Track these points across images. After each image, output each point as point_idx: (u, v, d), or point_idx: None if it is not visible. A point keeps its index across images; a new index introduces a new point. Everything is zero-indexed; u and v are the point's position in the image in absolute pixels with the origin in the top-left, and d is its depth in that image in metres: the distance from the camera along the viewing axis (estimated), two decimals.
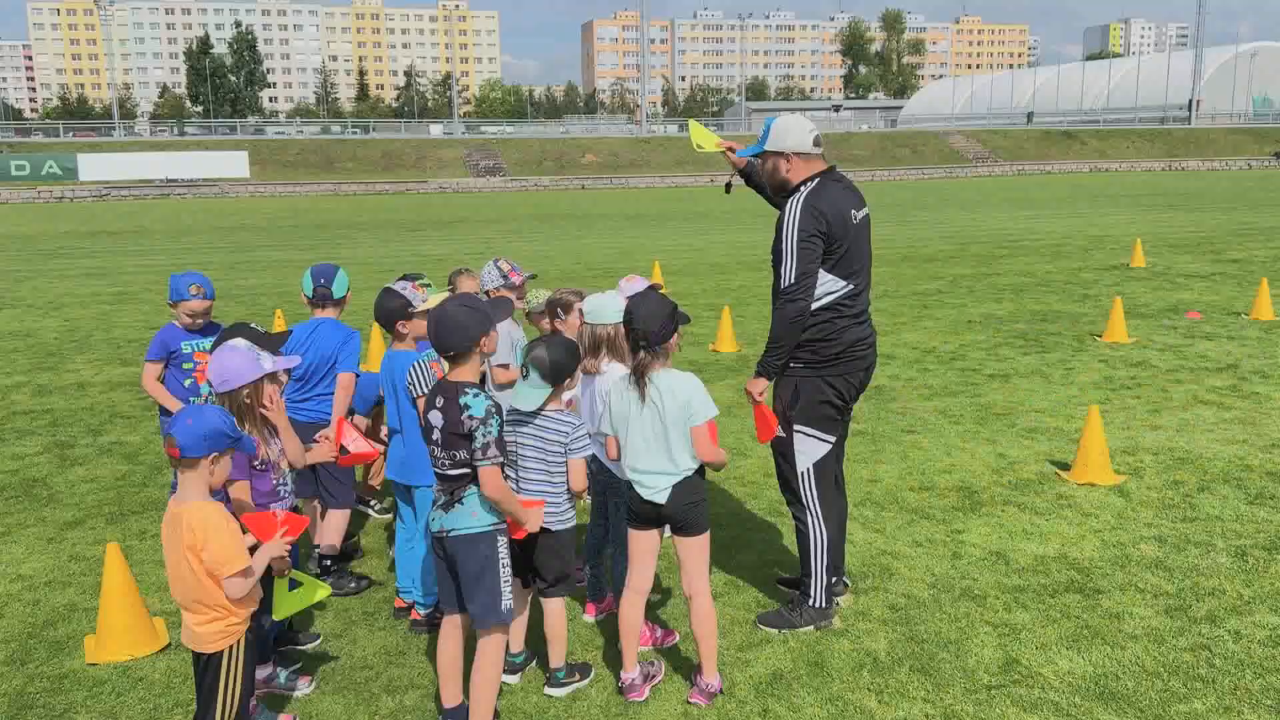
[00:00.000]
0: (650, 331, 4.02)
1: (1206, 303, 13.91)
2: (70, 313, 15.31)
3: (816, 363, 4.61)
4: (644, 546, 4.21)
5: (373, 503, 6.70)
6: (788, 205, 4.60)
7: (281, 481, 4.13)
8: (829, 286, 4.56)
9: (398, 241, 26.50)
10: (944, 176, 60.49)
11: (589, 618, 5.00)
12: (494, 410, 3.75)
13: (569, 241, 25.78)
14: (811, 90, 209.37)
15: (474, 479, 3.77)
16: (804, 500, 4.73)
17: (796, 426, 4.67)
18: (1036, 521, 6.13)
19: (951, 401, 8.94)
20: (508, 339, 5.59)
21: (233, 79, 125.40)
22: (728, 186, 5.72)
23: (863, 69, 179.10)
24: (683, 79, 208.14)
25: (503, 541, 3.88)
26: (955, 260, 19.71)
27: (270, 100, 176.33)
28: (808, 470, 4.70)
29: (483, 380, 5.01)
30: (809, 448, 4.70)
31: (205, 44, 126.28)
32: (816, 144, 4.68)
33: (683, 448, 4.07)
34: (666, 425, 4.04)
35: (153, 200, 50.19)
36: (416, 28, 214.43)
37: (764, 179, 4.89)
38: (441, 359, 3.96)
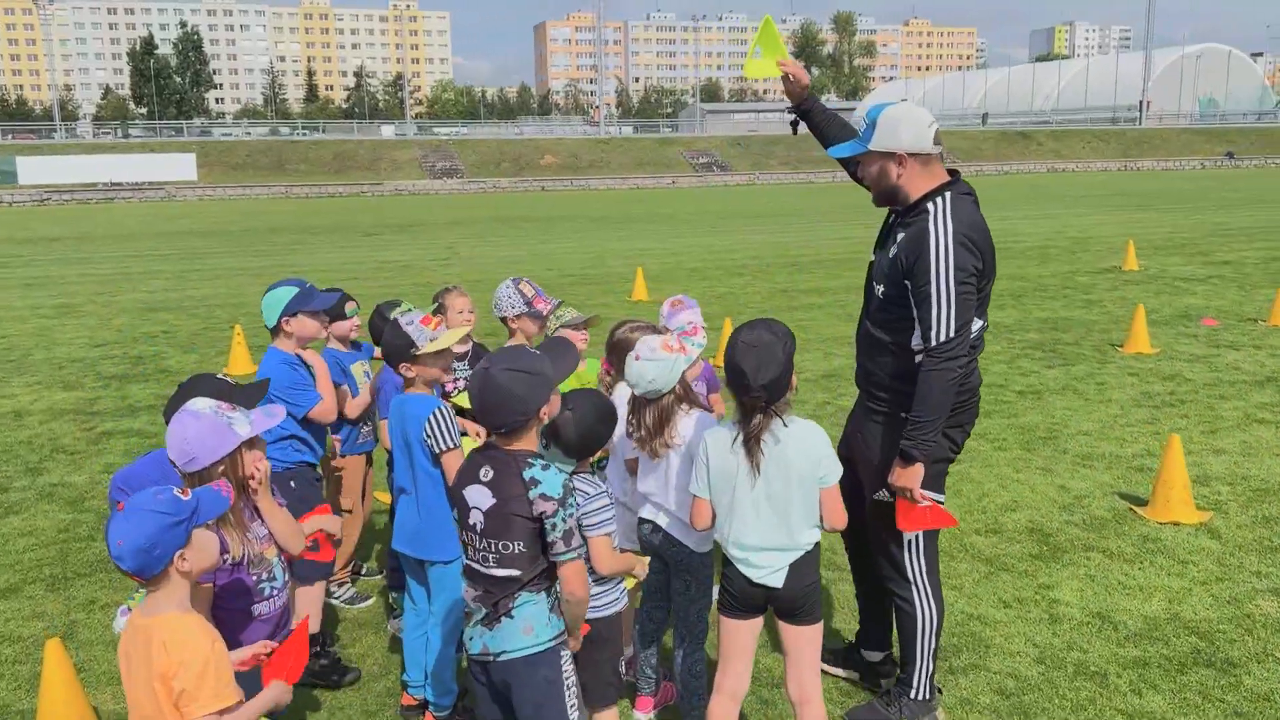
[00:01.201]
0: (772, 382, 3.14)
1: (1216, 309, 13.35)
2: (6, 329, 14.09)
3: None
4: (743, 640, 3.37)
5: (362, 567, 5.72)
6: (930, 231, 3.59)
7: (268, 577, 3.20)
8: (971, 327, 3.72)
9: (355, 246, 25.35)
10: None
11: (641, 715, 4.13)
12: (572, 486, 2.89)
13: (536, 245, 24.82)
14: (765, 92, 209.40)
15: (528, 582, 2.90)
16: (909, 574, 3.89)
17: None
18: (1131, 572, 5.37)
19: (988, 424, 8.18)
20: None
21: (178, 80, 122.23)
22: (794, 126, 4.42)
23: (816, 71, 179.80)
24: (636, 80, 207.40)
25: (566, 655, 3.01)
26: None
27: (217, 102, 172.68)
28: (915, 538, 3.86)
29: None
30: None
31: (149, 44, 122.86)
32: (937, 141, 3.72)
33: (805, 516, 3.25)
34: (791, 488, 3.21)
35: (96, 205, 48.27)
36: (366, 28, 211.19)
37: (866, 182, 3.92)
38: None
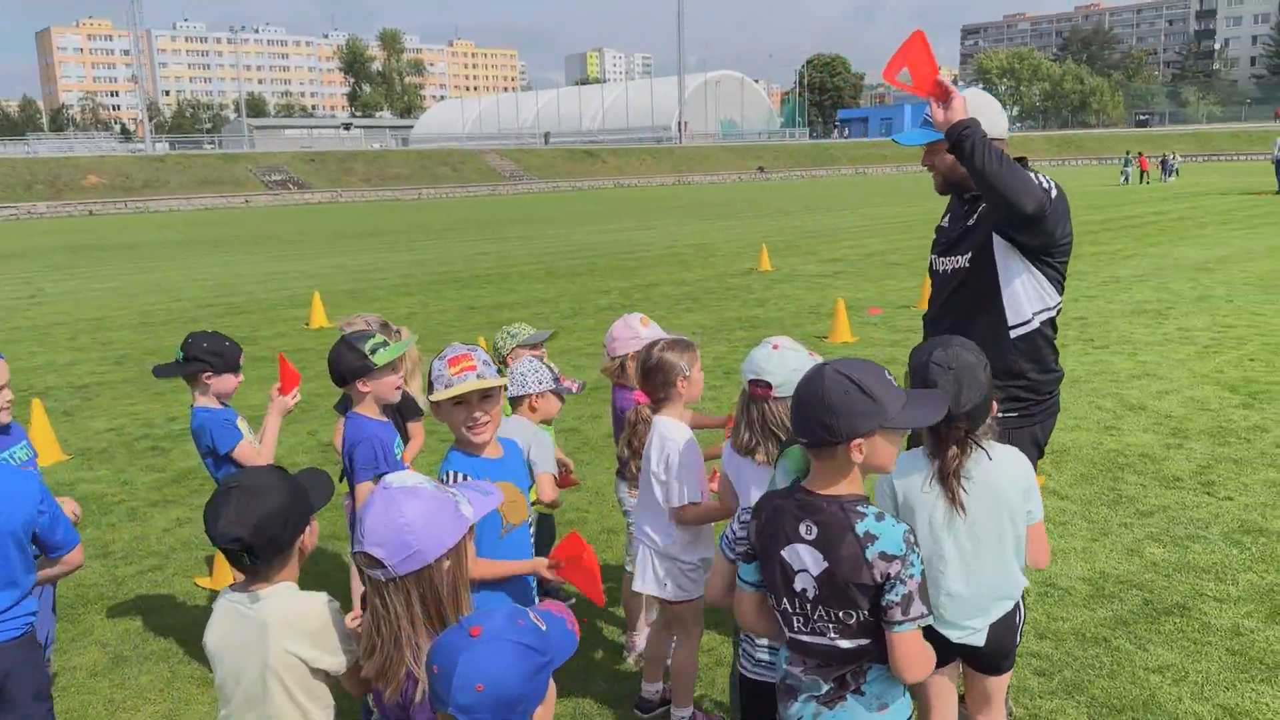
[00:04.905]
0: (975, 409, 2.74)
1: (869, 299, 14.91)
2: None
3: (1031, 404, 3.68)
4: (947, 686, 3.01)
5: None
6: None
7: None
8: (1046, 300, 3.67)
9: None
10: (489, 194, 61.12)
11: None
12: (914, 540, 2.42)
13: (135, 275, 21.81)
14: (314, 107, 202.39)
15: (881, 651, 2.41)
16: None
17: None
18: None
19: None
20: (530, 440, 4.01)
21: None
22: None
23: (367, 87, 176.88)
24: (167, 93, 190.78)
25: None
26: (603, 273, 19.50)
27: None
28: None
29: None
30: None
31: None
32: (1006, 130, 3.71)
33: (1018, 554, 2.86)
34: (1003, 524, 2.81)
35: None
36: None
37: (939, 170, 3.78)
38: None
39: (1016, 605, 2.93)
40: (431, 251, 25.39)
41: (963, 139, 3.36)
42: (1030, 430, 3.71)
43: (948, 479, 2.77)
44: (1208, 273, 16.24)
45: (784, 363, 3.23)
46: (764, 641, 3.01)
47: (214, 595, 5.48)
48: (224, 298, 17.62)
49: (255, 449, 4.20)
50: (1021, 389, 3.67)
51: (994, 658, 2.95)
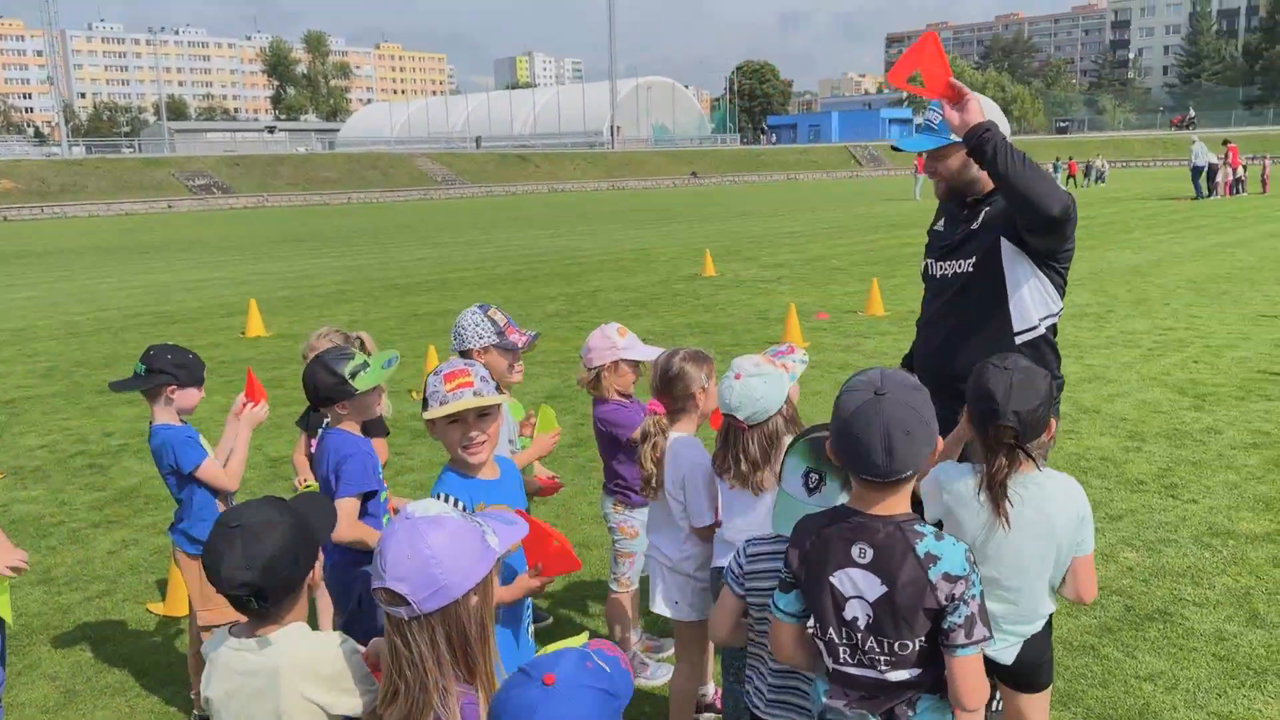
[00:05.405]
0: (1027, 414, 2.65)
1: (816, 304, 14.95)
2: None
3: None
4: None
5: None
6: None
7: None
8: (1051, 305, 3.62)
9: None
10: (420, 199, 60.28)
11: None
12: (974, 558, 2.32)
13: (59, 284, 21.02)
14: (236, 110, 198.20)
15: (932, 681, 2.31)
16: None
17: None
18: None
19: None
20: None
21: None
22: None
23: (291, 90, 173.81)
24: (83, 96, 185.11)
25: None
26: (545, 279, 19.29)
27: None
28: None
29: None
30: None
31: None
32: (1009, 133, 3.67)
33: (1046, 585, 2.80)
34: (1048, 552, 2.75)
35: None
36: None
37: (942, 176, 3.70)
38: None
39: (1048, 628, 2.88)
40: (367, 257, 24.91)
41: (983, 142, 3.26)
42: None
43: (994, 488, 2.68)
44: (1142, 276, 16.62)
45: (748, 393, 3.17)
46: (778, 673, 2.88)
47: (166, 621, 5.21)
48: (152, 306, 17.03)
49: (219, 470, 3.98)
50: None
51: (1027, 673, 2.88)
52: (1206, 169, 35.64)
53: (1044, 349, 3.65)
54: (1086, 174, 49.75)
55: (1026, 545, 2.72)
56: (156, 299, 17.97)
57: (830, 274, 18.61)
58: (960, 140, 3.47)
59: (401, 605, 2.02)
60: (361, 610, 3.60)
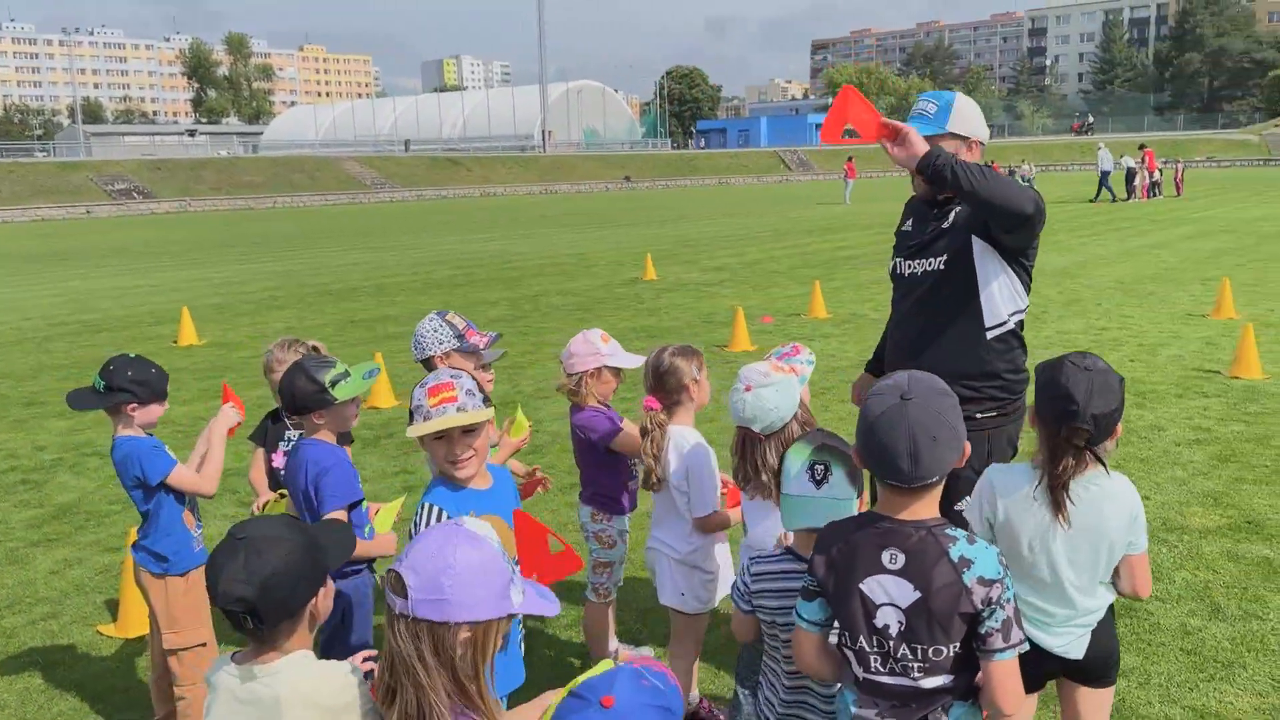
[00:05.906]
0: (1104, 416, 2.63)
1: (757, 307, 15.03)
2: None
3: (1007, 403, 3.70)
4: (1028, 710, 2.90)
5: None
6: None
7: None
8: (1019, 301, 3.70)
9: None
10: (349, 203, 59.33)
11: None
12: (1005, 561, 2.31)
13: (14, 291, 20.24)
14: (155, 113, 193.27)
15: (965, 688, 2.29)
16: None
17: None
18: None
19: None
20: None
21: None
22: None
23: (212, 93, 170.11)
24: None
25: None
26: (483, 284, 19.10)
27: None
28: None
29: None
30: None
31: None
32: (987, 134, 3.82)
33: (1098, 582, 2.80)
34: (1100, 549, 2.73)
35: None
36: None
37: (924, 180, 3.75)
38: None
39: (1110, 618, 2.88)
40: (298, 262, 24.42)
41: (940, 169, 3.36)
42: (1007, 430, 3.72)
43: (1057, 489, 2.65)
44: (1071, 278, 17.03)
45: (760, 404, 3.20)
46: (791, 688, 2.83)
47: (119, 644, 5.00)
48: (77, 315, 16.45)
49: (192, 474, 3.82)
50: (998, 389, 3.69)
51: (1100, 664, 2.85)
52: (1126, 172, 36.73)
53: (1013, 343, 3.74)
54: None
55: (1084, 544, 2.72)
56: (81, 307, 17.38)
57: (770, 277, 18.73)
58: (953, 134, 3.60)
59: (400, 596, 1.95)
60: (344, 626, 3.49)
